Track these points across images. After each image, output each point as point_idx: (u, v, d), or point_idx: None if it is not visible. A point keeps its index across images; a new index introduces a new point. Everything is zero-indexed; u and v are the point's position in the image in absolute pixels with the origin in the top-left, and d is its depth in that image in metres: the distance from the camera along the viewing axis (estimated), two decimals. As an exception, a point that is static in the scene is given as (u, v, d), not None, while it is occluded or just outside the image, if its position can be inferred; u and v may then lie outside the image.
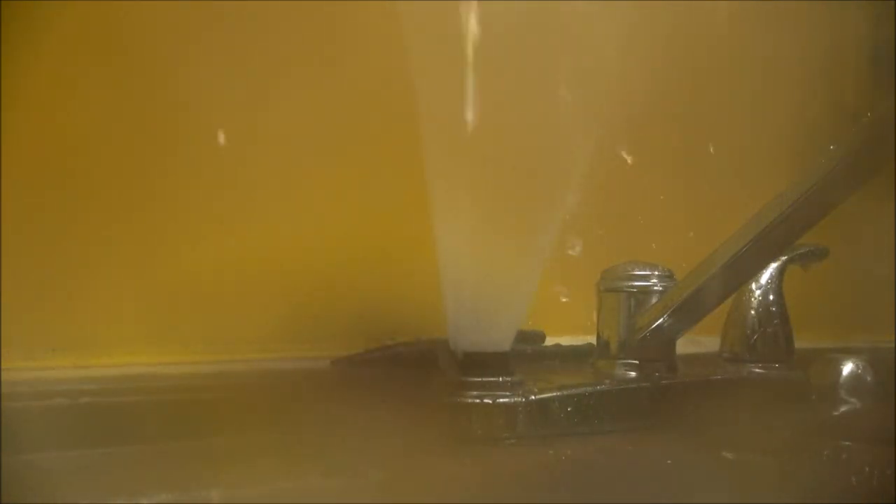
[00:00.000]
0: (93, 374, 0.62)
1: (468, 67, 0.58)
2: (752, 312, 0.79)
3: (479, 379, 0.60)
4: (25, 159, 0.62)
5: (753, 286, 0.79)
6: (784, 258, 0.79)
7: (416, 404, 0.61)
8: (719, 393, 0.70)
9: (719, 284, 0.68)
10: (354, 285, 0.73)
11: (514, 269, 0.61)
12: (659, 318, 0.68)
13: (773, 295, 0.79)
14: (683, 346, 0.72)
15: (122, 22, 0.65)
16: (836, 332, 0.96)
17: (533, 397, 0.61)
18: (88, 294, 0.64)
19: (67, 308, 0.63)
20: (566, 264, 0.66)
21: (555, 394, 0.63)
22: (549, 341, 0.78)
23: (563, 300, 0.80)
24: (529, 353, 0.73)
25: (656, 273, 0.70)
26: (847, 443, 0.61)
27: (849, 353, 0.78)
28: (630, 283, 0.70)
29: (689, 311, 0.68)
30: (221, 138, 0.68)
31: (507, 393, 0.61)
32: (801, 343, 0.80)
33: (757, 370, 0.77)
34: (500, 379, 0.61)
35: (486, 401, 0.60)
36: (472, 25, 0.58)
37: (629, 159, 0.87)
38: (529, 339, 0.75)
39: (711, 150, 0.96)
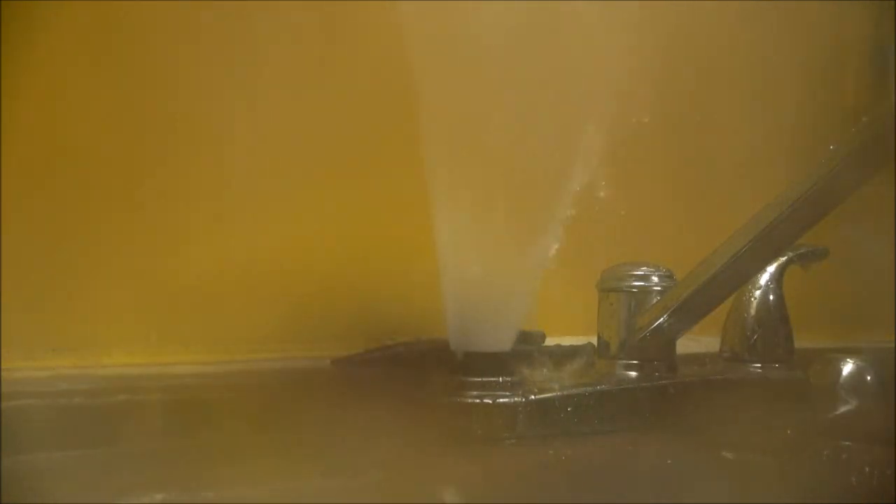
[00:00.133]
0: (93, 374, 0.62)
1: (468, 67, 0.58)
2: (752, 312, 0.79)
3: (479, 379, 0.60)
4: (25, 159, 0.62)
5: (753, 286, 0.79)
6: (784, 258, 0.79)
7: (416, 404, 0.61)
8: (719, 393, 0.70)
9: (719, 284, 0.68)
10: (354, 285, 0.73)
11: (515, 270, 0.61)
12: (659, 318, 0.68)
13: (773, 295, 0.79)
14: (683, 346, 0.72)
15: (122, 22, 0.65)
16: (836, 332, 0.96)
17: (533, 397, 0.62)
18: (88, 294, 0.64)
19: (67, 308, 0.63)
20: (566, 264, 0.66)
21: (555, 394, 0.63)
22: (549, 341, 0.78)
23: (563, 300, 0.80)
24: (529, 353, 0.73)
25: (656, 273, 0.70)
26: (847, 443, 0.61)
27: (849, 353, 0.78)
28: (630, 283, 0.70)
29: (689, 311, 0.68)
30: (221, 138, 0.68)
31: (507, 393, 0.61)
32: (801, 343, 0.80)
33: (757, 370, 0.77)
34: (500, 379, 0.61)
35: (486, 401, 0.60)
36: (472, 26, 0.58)
37: (629, 159, 0.87)
38: (529, 339, 0.74)
39: (712, 150, 0.96)
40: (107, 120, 0.65)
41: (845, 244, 0.86)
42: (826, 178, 0.62)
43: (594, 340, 0.73)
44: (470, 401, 0.60)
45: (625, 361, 0.69)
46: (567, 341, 0.78)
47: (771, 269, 0.79)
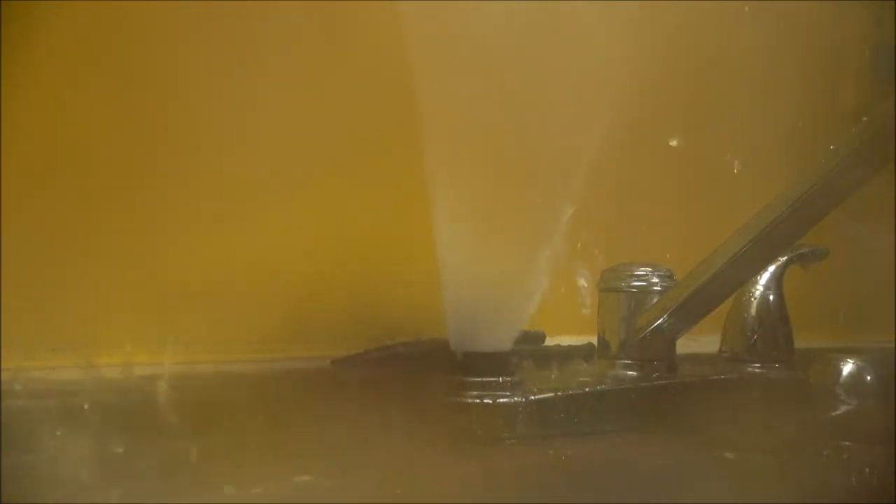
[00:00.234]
0: (93, 374, 0.62)
1: (467, 67, 0.58)
2: (752, 312, 0.79)
3: (479, 379, 0.60)
4: (25, 159, 0.62)
5: (753, 286, 0.79)
6: (784, 258, 0.79)
7: (416, 404, 0.61)
8: (719, 393, 0.70)
9: (719, 284, 0.68)
10: (354, 285, 0.73)
11: (515, 270, 0.61)
12: (659, 318, 0.69)
13: (773, 295, 0.79)
14: (683, 346, 0.72)
15: (122, 22, 0.65)
16: (836, 332, 0.96)
17: (533, 397, 0.61)
18: (88, 294, 0.64)
19: (67, 308, 0.63)
20: (566, 264, 0.66)
21: (555, 394, 0.63)
22: (549, 341, 0.78)
23: (563, 300, 0.80)
24: (529, 353, 0.73)
25: (656, 273, 0.70)
26: (847, 443, 0.61)
27: (849, 353, 0.78)
28: (630, 283, 0.70)
29: (689, 311, 0.68)
30: (221, 138, 0.68)
31: (507, 393, 0.61)
32: (801, 343, 0.80)
33: (757, 370, 0.77)
34: (500, 379, 0.61)
35: (486, 401, 0.60)
36: (472, 26, 0.58)
37: (630, 159, 0.87)
38: (529, 339, 0.75)
39: (712, 150, 0.96)
40: (107, 120, 0.65)
41: (845, 244, 0.86)
42: (826, 178, 0.62)
43: (594, 340, 0.73)
44: (470, 401, 0.60)
45: (625, 361, 0.69)
46: (567, 341, 0.78)
47: (771, 269, 0.79)
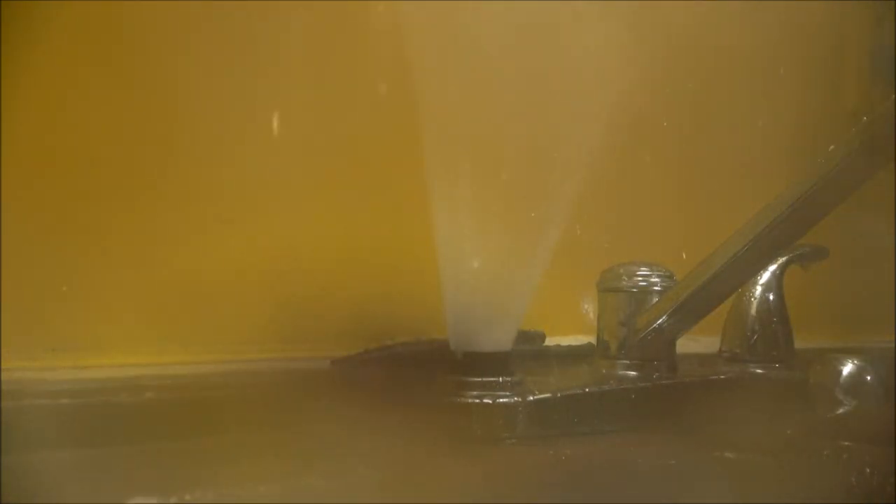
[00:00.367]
0: (93, 375, 0.62)
1: (467, 68, 0.58)
2: (752, 312, 0.79)
3: (479, 379, 0.60)
4: (25, 159, 0.62)
5: (753, 286, 0.79)
6: (784, 258, 0.79)
7: (416, 404, 0.61)
8: (719, 393, 0.70)
9: (719, 284, 0.68)
10: (354, 285, 0.73)
11: (515, 270, 0.61)
12: (659, 318, 0.69)
13: (773, 295, 0.79)
14: (683, 345, 0.72)
15: (122, 22, 0.65)
16: (836, 332, 0.96)
17: (533, 397, 0.61)
18: (88, 294, 0.64)
19: (67, 308, 0.63)
20: (566, 264, 0.66)
21: (555, 394, 0.63)
22: (549, 341, 0.78)
23: (563, 300, 0.80)
24: (529, 353, 0.73)
25: (656, 273, 0.70)
26: (847, 443, 0.61)
27: (849, 353, 0.78)
28: (630, 283, 0.70)
29: (689, 311, 0.68)
30: (222, 139, 0.68)
31: (507, 393, 0.61)
32: (801, 343, 0.80)
33: (757, 370, 0.77)
34: (500, 379, 0.61)
35: (486, 401, 0.60)
36: (473, 27, 0.58)
37: (629, 159, 0.87)
38: (529, 339, 0.75)
39: (712, 150, 0.96)
40: (107, 120, 0.65)
41: (845, 244, 0.86)
42: (826, 178, 0.62)
43: (594, 340, 0.73)
44: (470, 401, 0.60)
45: (625, 361, 0.70)
46: (567, 341, 0.78)
47: (771, 269, 0.79)
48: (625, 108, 0.62)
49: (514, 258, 0.61)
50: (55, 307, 0.63)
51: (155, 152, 0.66)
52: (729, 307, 0.80)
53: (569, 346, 0.78)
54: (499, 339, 0.61)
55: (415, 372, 0.66)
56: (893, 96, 0.59)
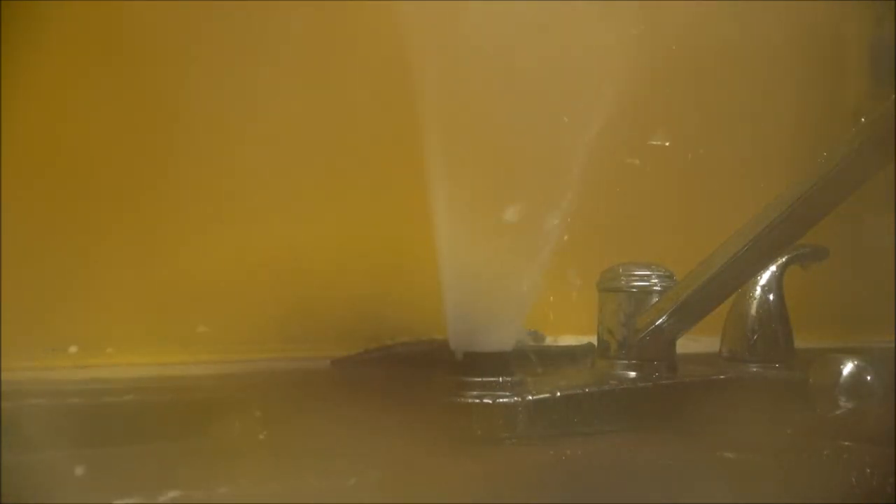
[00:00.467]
0: (93, 374, 0.62)
1: (467, 68, 0.58)
2: (752, 312, 0.79)
3: (479, 379, 0.60)
4: (25, 159, 0.62)
5: (753, 286, 0.79)
6: (784, 258, 0.79)
7: (416, 404, 0.61)
8: (719, 393, 0.70)
9: (719, 284, 0.68)
10: (354, 285, 0.73)
11: (515, 270, 0.61)
12: (659, 318, 0.68)
13: (773, 295, 0.79)
14: (683, 346, 0.72)
15: (122, 22, 0.65)
16: (836, 332, 0.96)
17: (533, 397, 0.61)
18: (88, 294, 0.64)
19: (67, 308, 0.63)
20: (566, 264, 0.66)
21: (555, 394, 0.63)
22: (549, 341, 0.78)
23: (563, 300, 0.80)
24: (529, 353, 0.73)
25: (656, 273, 0.70)
26: (847, 443, 0.61)
27: (849, 353, 0.78)
28: (630, 283, 0.70)
29: (689, 311, 0.68)
30: (222, 139, 0.68)
31: (507, 393, 0.61)
32: (801, 343, 0.80)
33: (757, 370, 0.77)
34: (500, 379, 0.61)
35: (486, 401, 0.60)
36: (473, 26, 0.58)
37: (629, 159, 0.87)
38: (529, 339, 0.75)
39: (712, 150, 0.96)
40: (107, 120, 0.65)
41: (845, 244, 0.86)
42: (826, 178, 0.62)
43: (594, 340, 0.73)
44: (470, 401, 0.60)
45: (625, 361, 0.69)
46: (567, 341, 0.78)
47: (771, 269, 0.79)
48: (625, 108, 0.62)
49: (514, 258, 0.61)
50: (55, 307, 0.63)
51: (155, 152, 0.67)
52: (729, 307, 0.80)
53: (569, 346, 0.78)
54: (499, 339, 0.61)
55: (415, 372, 0.66)
56: (893, 96, 0.59)
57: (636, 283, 0.70)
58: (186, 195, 0.68)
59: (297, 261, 0.71)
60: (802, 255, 0.79)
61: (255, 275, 0.69)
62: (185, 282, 0.67)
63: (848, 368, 0.76)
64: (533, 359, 0.72)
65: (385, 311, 0.74)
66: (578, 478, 0.59)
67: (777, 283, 0.79)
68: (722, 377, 0.73)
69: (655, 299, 0.69)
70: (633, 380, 0.68)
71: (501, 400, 0.60)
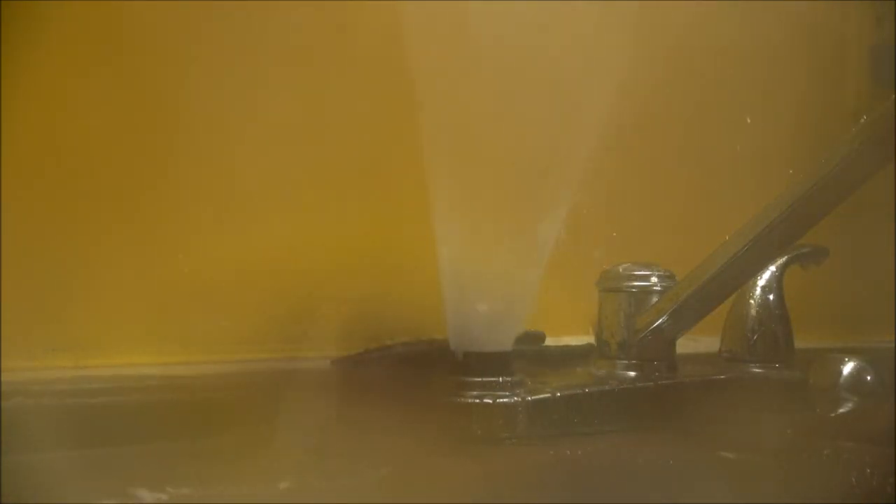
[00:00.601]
0: (93, 374, 0.62)
1: (468, 68, 0.58)
2: (752, 312, 0.79)
3: (479, 379, 0.60)
4: (25, 159, 0.62)
5: (753, 286, 0.79)
6: (784, 258, 0.79)
7: (416, 404, 0.61)
8: (719, 393, 0.70)
9: (719, 284, 0.68)
10: (354, 285, 0.73)
11: (515, 270, 0.61)
12: (659, 319, 0.68)
13: (773, 295, 0.79)
14: (683, 346, 0.72)
15: (122, 22, 0.65)
16: (836, 332, 0.96)
17: (533, 397, 0.61)
18: (88, 294, 0.64)
19: (67, 308, 0.63)
20: (566, 264, 0.66)
21: (555, 394, 0.63)
22: (549, 341, 0.78)
23: (563, 300, 0.80)
24: (529, 353, 0.73)
25: (656, 273, 0.70)
26: (847, 443, 0.61)
27: (849, 353, 0.78)
28: (630, 283, 0.70)
29: (689, 311, 0.68)
30: (222, 139, 0.68)
31: (507, 393, 0.61)
32: (801, 343, 0.80)
33: (757, 370, 0.77)
34: (500, 379, 0.61)
35: (486, 401, 0.60)
36: (473, 26, 0.58)
37: (629, 159, 0.87)
38: (529, 339, 0.74)
39: (712, 150, 0.96)
40: (107, 120, 0.65)
41: (845, 244, 0.86)
42: (826, 178, 0.62)
43: (594, 340, 0.73)
44: (470, 401, 0.60)
45: (625, 361, 0.69)
46: (567, 341, 0.78)
47: (771, 269, 0.79)
48: (625, 108, 0.62)
49: (514, 258, 0.61)
50: (55, 307, 0.63)
51: (155, 152, 0.66)
52: (729, 307, 0.80)
53: (569, 346, 0.78)
54: (499, 339, 0.61)
55: (415, 372, 0.66)
56: (893, 96, 0.59)
57: (636, 283, 0.70)
58: (186, 195, 0.68)
59: (297, 261, 0.71)
60: (802, 255, 0.79)
61: (256, 274, 0.69)
62: (185, 282, 0.67)
63: (848, 368, 0.76)
64: (533, 359, 0.72)
65: (385, 311, 0.74)
66: (578, 478, 0.59)
67: (777, 283, 0.79)
68: (722, 377, 0.73)
69: (655, 299, 0.69)
70: (633, 380, 0.68)
71: (501, 400, 0.60)
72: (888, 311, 0.88)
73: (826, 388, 0.76)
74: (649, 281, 0.70)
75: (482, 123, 0.59)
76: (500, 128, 0.59)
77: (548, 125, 0.60)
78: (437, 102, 0.59)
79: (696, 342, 0.78)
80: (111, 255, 0.65)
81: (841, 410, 0.75)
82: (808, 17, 0.96)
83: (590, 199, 0.64)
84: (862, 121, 0.61)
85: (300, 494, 0.51)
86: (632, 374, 0.69)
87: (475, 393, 0.60)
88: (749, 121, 0.97)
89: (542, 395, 0.62)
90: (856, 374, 0.76)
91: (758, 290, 0.79)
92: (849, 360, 0.77)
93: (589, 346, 0.74)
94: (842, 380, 0.76)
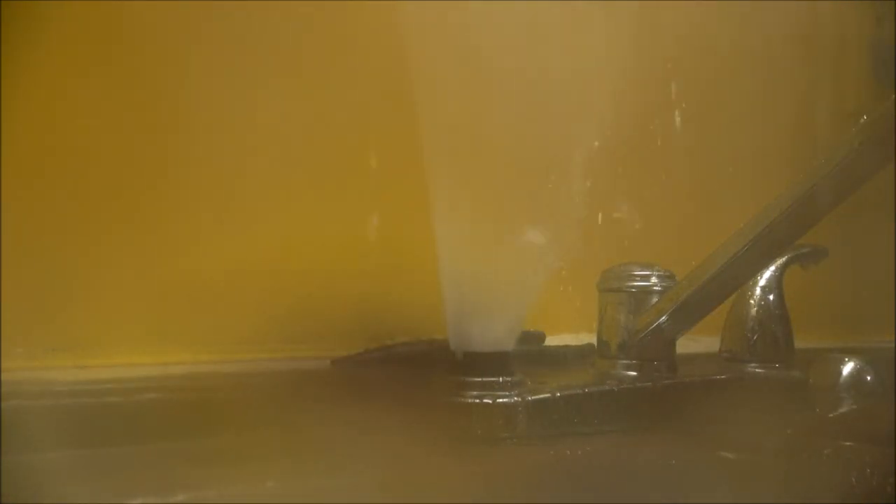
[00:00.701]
0: (93, 375, 0.62)
1: (468, 69, 0.58)
2: (752, 312, 0.79)
3: (479, 379, 0.60)
4: (25, 159, 0.62)
5: (753, 286, 0.79)
6: (784, 258, 0.79)
7: (416, 404, 0.61)
8: (719, 393, 0.70)
9: (719, 284, 0.68)
10: (354, 285, 0.73)
11: (515, 270, 0.61)
12: (659, 318, 0.68)
13: (773, 295, 0.79)
14: (683, 346, 0.72)
15: (123, 23, 0.65)
16: (836, 332, 0.96)
17: (533, 397, 0.61)
18: (88, 294, 0.64)
19: (67, 308, 0.63)
20: (566, 264, 0.66)
21: (555, 394, 0.63)
22: (549, 341, 0.78)
23: (563, 300, 0.80)
24: (529, 353, 0.73)
25: (656, 273, 0.70)
26: (847, 443, 0.61)
27: (849, 353, 0.78)
28: (630, 283, 0.70)
29: (689, 311, 0.68)
30: (222, 139, 0.68)
31: (507, 393, 0.61)
32: (801, 343, 0.80)
33: (757, 370, 0.77)
34: (500, 379, 0.61)
35: (486, 401, 0.60)
36: (472, 27, 0.58)
37: (630, 160, 0.87)
38: (529, 339, 0.74)
39: (712, 150, 0.96)
40: (107, 120, 0.65)
41: (845, 244, 0.86)
42: (826, 178, 0.62)
43: (594, 340, 0.73)
44: (470, 401, 0.60)
45: (625, 361, 0.69)
46: (567, 341, 0.78)
47: (771, 269, 0.79)
48: (625, 108, 0.62)
49: (514, 258, 0.61)
50: (55, 307, 0.63)
51: (154, 152, 0.66)
52: (729, 307, 0.80)
53: (569, 346, 0.78)
54: (499, 339, 0.61)
55: (415, 372, 0.66)
56: (893, 96, 0.59)
57: (636, 283, 0.70)
58: (186, 195, 0.68)
59: (297, 260, 0.71)
60: (802, 255, 0.79)
61: (255, 274, 0.69)
62: (185, 281, 0.67)
63: (848, 368, 0.76)
64: (533, 359, 0.72)
65: (385, 311, 0.74)
66: (578, 478, 0.59)
67: (777, 283, 0.79)
68: (722, 377, 0.73)
69: (655, 299, 0.69)
70: (633, 380, 0.68)
71: (501, 400, 0.60)
72: (888, 311, 0.88)
73: (826, 388, 0.76)
74: (649, 281, 0.70)
75: (482, 123, 0.59)
76: (500, 128, 0.59)
77: (548, 125, 0.60)
78: (437, 102, 0.59)
79: (696, 342, 0.78)
80: (111, 255, 0.65)
81: (841, 410, 0.75)
82: (808, 17, 0.96)
83: (590, 199, 0.65)
84: (862, 121, 0.61)
85: (300, 494, 0.51)
86: (632, 374, 0.69)
87: (475, 393, 0.60)
88: (749, 121, 0.97)
89: (542, 395, 0.62)
90: (856, 374, 0.76)
91: (758, 290, 0.79)
92: (849, 360, 0.77)
93: (589, 346, 0.75)
94: (842, 380, 0.76)
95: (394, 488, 0.53)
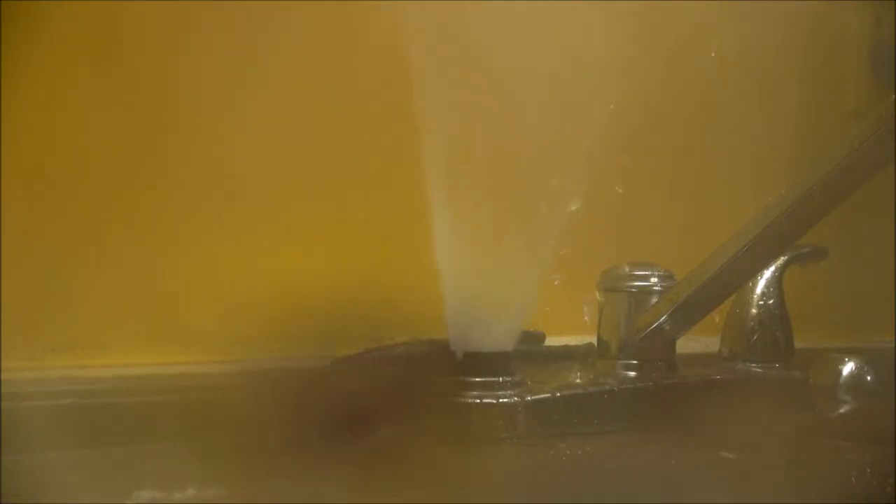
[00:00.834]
0: (93, 374, 0.62)
1: (468, 70, 0.58)
2: (752, 312, 0.79)
3: (479, 379, 0.60)
4: (25, 159, 0.62)
5: (753, 286, 0.79)
6: (784, 258, 0.79)
7: (416, 404, 0.61)
8: (719, 393, 0.70)
9: (719, 284, 0.68)
10: (354, 286, 0.73)
11: (515, 270, 0.61)
12: (659, 318, 0.69)
13: (773, 295, 0.79)
14: (683, 346, 0.72)
15: (123, 23, 0.65)
16: (836, 332, 0.96)
17: (533, 397, 0.61)
18: (88, 294, 0.64)
19: (67, 308, 0.63)
20: (566, 264, 0.66)
21: (555, 394, 0.63)
22: (549, 341, 0.78)
23: (563, 300, 0.80)
24: (529, 353, 0.73)
25: (656, 273, 0.70)
26: (847, 443, 0.61)
27: (849, 353, 0.78)
28: (630, 283, 0.70)
29: (689, 311, 0.68)
30: (223, 140, 0.68)
31: (507, 393, 0.61)
32: (801, 343, 0.80)
33: (757, 370, 0.77)
34: (500, 379, 0.61)
35: (486, 401, 0.60)
36: (473, 27, 0.58)
37: (630, 160, 0.87)
38: (529, 339, 0.74)
39: (712, 150, 0.96)
40: (107, 121, 0.65)
41: (845, 244, 0.86)
42: (826, 178, 0.62)
43: (594, 340, 0.73)
44: (470, 401, 0.60)
45: (625, 361, 0.69)
46: (567, 341, 0.78)
47: (771, 269, 0.79)
48: (625, 108, 0.62)
49: (514, 258, 0.61)
50: (55, 307, 0.63)
51: (155, 153, 0.67)
52: (729, 307, 0.80)
53: (569, 346, 0.78)
54: (499, 339, 0.61)
55: (415, 372, 0.66)
56: (893, 96, 0.59)
57: (636, 283, 0.70)
58: (186, 195, 0.68)
59: (297, 261, 0.71)
60: (802, 255, 0.79)
61: (256, 275, 0.69)
62: (185, 282, 0.67)
63: (848, 368, 0.76)
64: (533, 359, 0.72)
65: (385, 311, 0.74)
66: (578, 478, 0.59)
67: (777, 283, 0.79)
68: (722, 377, 0.73)
69: (655, 299, 0.69)
70: (633, 380, 0.68)
71: (501, 400, 0.60)
72: (888, 311, 0.88)
73: (826, 388, 0.76)
74: (649, 281, 0.70)
75: (483, 124, 0.59)
76: (500, 128, 0.59)
77: (548, 126, 0.60)
78: (437, 103, 0.59)
79: (696, 342, 0.78)
80: (111, 255, 0.65)
81: (841, 410, 0.74)
82: (807, 18, 0.96)
83: (590, 199, 0.64)
84: (862, 121, 0.61)
85: (299, 494, 0.51)
86: (632, 374, 0.69)
87: (475, 393, 0.60)
88: (749, 121, 0.97)
89: (542, 395, 0.62)
90: (856, 374, 0.76)
91: (758, 290, 0.79)
92: (849, 360, 0.77)
93: (589, 346, 0.75)
94: (842, 380, 0.76)
95: (394, 488, 0.53)
